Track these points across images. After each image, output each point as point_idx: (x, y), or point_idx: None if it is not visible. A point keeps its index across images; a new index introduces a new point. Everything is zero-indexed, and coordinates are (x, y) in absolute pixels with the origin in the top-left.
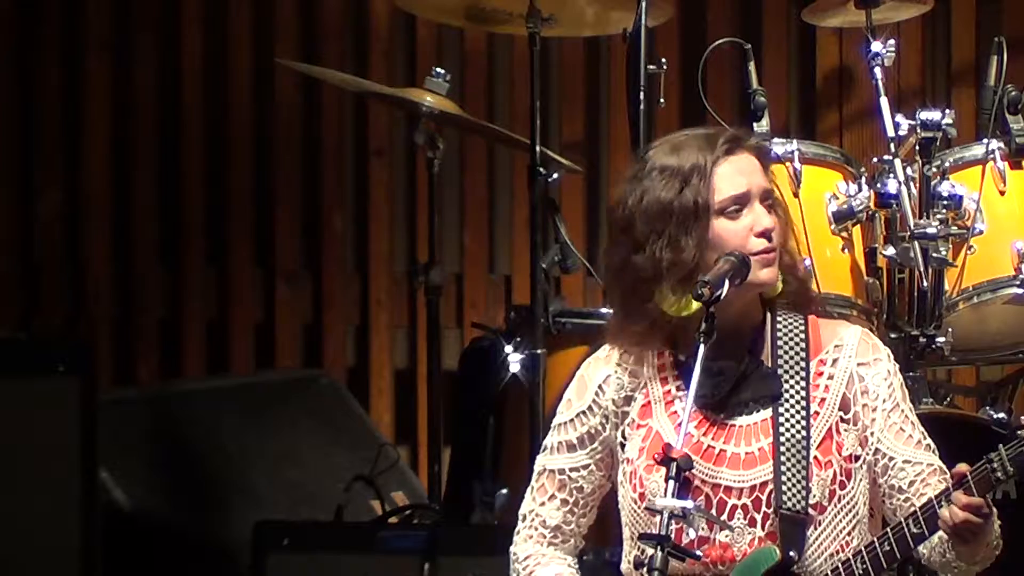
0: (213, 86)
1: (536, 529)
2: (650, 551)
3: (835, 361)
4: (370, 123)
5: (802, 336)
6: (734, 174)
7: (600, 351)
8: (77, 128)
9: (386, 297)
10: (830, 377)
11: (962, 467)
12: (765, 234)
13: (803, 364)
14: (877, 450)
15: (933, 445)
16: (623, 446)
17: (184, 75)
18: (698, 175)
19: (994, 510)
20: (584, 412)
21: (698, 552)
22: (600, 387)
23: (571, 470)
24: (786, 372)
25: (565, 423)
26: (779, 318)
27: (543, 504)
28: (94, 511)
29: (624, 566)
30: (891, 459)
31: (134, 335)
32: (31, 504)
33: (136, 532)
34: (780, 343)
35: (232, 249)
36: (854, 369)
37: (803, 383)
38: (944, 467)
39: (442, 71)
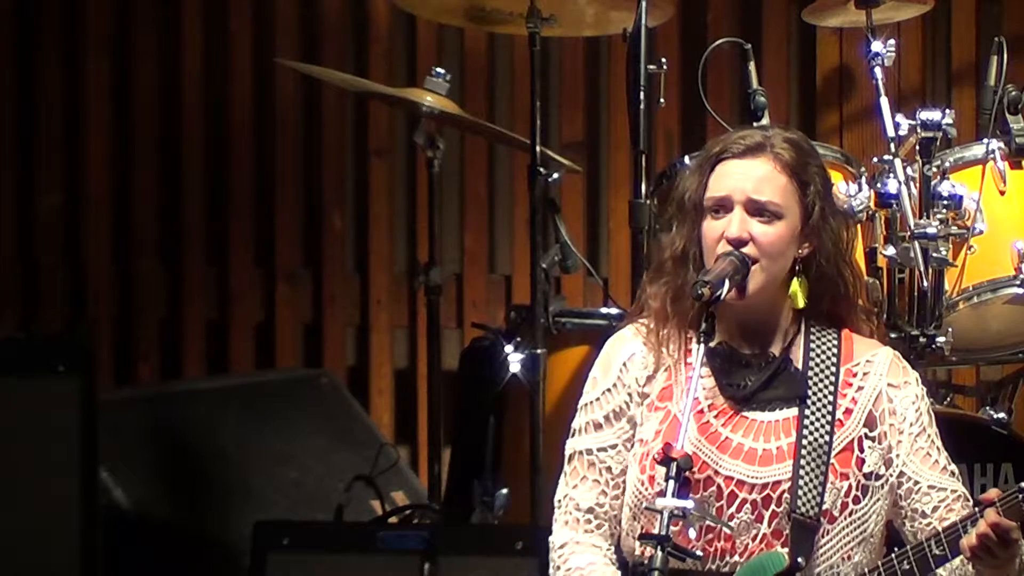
0: (213, 86)
1: (571, 513)
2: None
3: (865, 375)
4: (370, 123)
5: (834, 344)
6: (723, 177)
7: (626, 329)
8: (77, 128)
9: (386, 297)
10: (859, 389)
11: (992, 492)
12: (733, 242)
13: (833, 371)
14: (902, 473)
15: (957, 472)
16: (639, 426)
17: (184, 75)
18: (700, 172)
19: (1021, 543)
20: (609, 390)
21: (698, 552)
22: (625, 364)
23: (599, 450)
24: (815, 376)
25: (591, 402)
26: (812, 327)
27: (575, 487)
28: (94, 511)
29: (627, 543)
30: (916, 483)
31: (134, 335)
32: (31, 504)
33: (136, 532)
34: (812, 347)
35: (232, 249)
36: (884, 388)
37: (831, 388)
38: (967, 494)
39: (442, 71)
